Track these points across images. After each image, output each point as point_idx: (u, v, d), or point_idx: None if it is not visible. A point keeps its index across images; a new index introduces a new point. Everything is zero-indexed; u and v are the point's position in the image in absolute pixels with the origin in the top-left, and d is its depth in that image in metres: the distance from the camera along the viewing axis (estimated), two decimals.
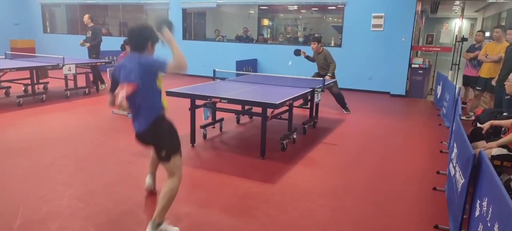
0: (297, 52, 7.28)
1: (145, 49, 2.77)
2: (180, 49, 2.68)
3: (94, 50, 9.03)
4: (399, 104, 8.62)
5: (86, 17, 8.94)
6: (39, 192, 3.51)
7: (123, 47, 6.49)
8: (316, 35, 7.37)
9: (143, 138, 2.81)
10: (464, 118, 6.79)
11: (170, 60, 2.64)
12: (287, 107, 4.98)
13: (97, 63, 8.71)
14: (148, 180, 3.57)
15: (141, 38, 2.75)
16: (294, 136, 5.29)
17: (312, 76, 7.17)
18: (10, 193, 3.48)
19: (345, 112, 7.31)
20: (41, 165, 4.19)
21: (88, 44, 8.94)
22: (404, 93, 9.52)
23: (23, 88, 8.21)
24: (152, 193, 3.57)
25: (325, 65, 7.10)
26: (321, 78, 5.88)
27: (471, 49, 7.46)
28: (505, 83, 4.13)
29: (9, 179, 3.80)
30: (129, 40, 2.81)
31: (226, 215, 3.20)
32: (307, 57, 7.30)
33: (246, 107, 5.92)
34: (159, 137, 2.75)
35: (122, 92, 2.61)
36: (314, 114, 6.15)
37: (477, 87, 6.89)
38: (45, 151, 4.69)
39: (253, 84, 5.74)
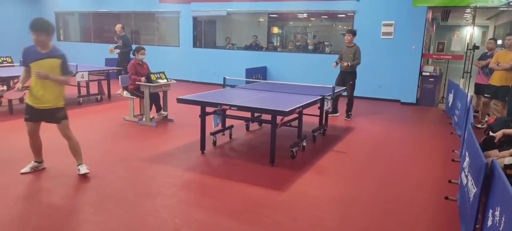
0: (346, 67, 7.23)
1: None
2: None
3: (125, 57, 9.39)
4: (410, 113, 8.55)
5: (118, 26, 9.53)
6: (51, 197, 3.56)
7: (133, 53, 6.60)
8: (351, 28, 7.40)
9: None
10: (477, 126, 6.71)
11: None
12: (296, 115, 4.98)
13: (110, 71, 8.84)
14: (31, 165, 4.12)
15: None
16: (304, 144, 5.29)
17: (336, 81, 7.22)
18: (22, 198, 3.54)
19: (346, 118, 7.36)
20: (53, 170, 4.25)
21: (119, 50, 9.39)
22: (414, 102, 9.44)
23: None
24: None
25: (352, 61, 7.12)
26: (337, 87, 5.90)
27: (483, 57, 7.38)
28: None
29: (21, 184, 3.87)
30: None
31: (235, 222, 3.21)
32: (338, 62, 7.29)
33: (256, 114, 5.94)
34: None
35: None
36: (323, 122, 6.14)
37: (485, 95, 6.81)
38: (58, 156, 4.75)
39: (263, 92, 5.76)
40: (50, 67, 3.70)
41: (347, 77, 7.21)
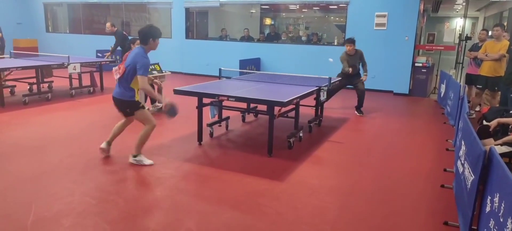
0: (353, 69, 6.90)
1: (147, 43, 4.02)
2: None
3: (127, 49, 9.10)
4: (403, 103, 8.64)
5: (108, 25, 8.86)
6: (50, 189, 3.54)
7: (129, 45, 6.53)
8: (350, 37, 7.03)
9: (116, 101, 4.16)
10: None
11: (144, 77, 3.90)
12: (293, 106, 5.00)
13: (102, 62, 8.74)
14: (103, 144, 4.45)
15: (144, 35, 3.99)
16: (301, 134, 5.32)
17: (338, 76, 6.95)
18: (21, 191, 3.51)
19: (357, 113, 7.17)
20: (50, 163, 4.21)
21: (110, 51, 9.05)
22: (407, 92, 9.55)
23: (28, 87, 8.23)
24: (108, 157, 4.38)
25: (358, 66, 7.05)
26: (331, 78, 5.80)
27: (474, 48, 7.48)
28: None
29: (19, 177, 3.83)
30: (138, 36, 4.02)
31: (237, 212, 3.22)
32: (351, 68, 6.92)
33: (252, 105, 5.94)
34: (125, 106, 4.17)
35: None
36: (319, 112, 6.17)
37: (478, 86, 6.92)
38: (54, 149, 4.72)
39: (259, 83, 5.76)
40: None
41: (355, 77, 7.03)
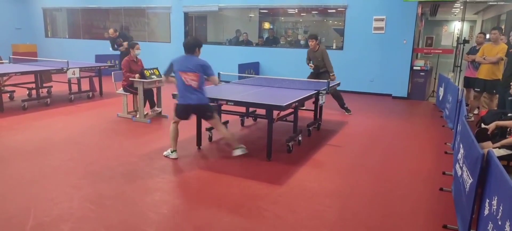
0: (316, 68, 7.08)
1: (194, 52, 4.51)
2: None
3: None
4: (402, 107, 8.66)
5: (111, 31, 9.21)
6: (49, 194, 3.53)
7: (128, 50, 6.54)
8: (312, 33, 7.12)
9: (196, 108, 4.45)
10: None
11: (214, 75, 4.53)
12: (292, 110, 5.01)
13: (101, 67, 8.76)
14: (174, 155, 4.60)
15: (192, 46, 4.48)
16: (300, 138, 5.32)
17: (308, 77, 7.10)
18: (20, 196, 3.50)
19: (346, 113, 7.32)
20: (49, 168, 4.21)
21: (123, 48, 9.14)
22: (406, 96, 9.57)
23: (27, 93, 8.23)
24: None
25: (322, 64, 7.02)
26: (320, 80, 5.85)
27: (472, 51, 7.51)
28: (511, 83, 4.18)
29: (18, 182, 3.83)
30: (184, 46, 4.52)
31: (236, 216, 3.23)
32: (314, 66, 7.08)
33: (250, 109, 5.95)
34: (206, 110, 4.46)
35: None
36: (318, 116, 6.18)
37: (476, 89, 6.94)
38: (53, 154, 4.71)
39: (258, 87, 5.77)
40: None
41: (323, 75, 6.98)
